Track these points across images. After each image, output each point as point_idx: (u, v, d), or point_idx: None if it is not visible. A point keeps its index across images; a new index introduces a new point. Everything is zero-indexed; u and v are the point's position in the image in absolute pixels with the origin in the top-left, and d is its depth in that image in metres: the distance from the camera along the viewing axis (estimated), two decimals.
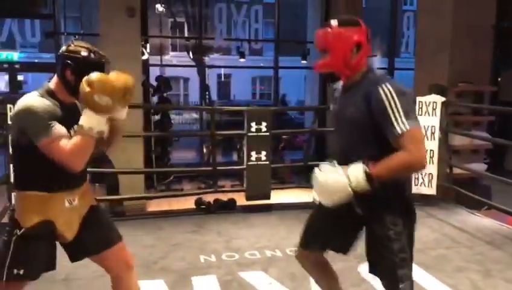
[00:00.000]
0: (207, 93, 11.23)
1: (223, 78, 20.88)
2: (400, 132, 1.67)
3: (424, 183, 5.02)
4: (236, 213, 4.88)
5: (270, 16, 10.12)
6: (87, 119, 1.77)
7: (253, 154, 4.84)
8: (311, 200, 6.63)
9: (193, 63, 13.06)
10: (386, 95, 1.69)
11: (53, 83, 1.91)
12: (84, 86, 1.74)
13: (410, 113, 1.69)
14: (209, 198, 5.14)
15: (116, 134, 2.04)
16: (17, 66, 9.14)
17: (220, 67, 17.34)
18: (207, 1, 11.29)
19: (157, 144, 7.47)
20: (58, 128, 1.80)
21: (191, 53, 12.46)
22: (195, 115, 15.06)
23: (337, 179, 1.71)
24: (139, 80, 6.79)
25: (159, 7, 11.64)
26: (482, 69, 5.67)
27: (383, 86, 1.71)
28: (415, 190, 5.09)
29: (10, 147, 1.92)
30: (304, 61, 9.28)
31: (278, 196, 5.47)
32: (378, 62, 17.08)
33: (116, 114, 1.93)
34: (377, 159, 1.70)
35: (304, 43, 9.49)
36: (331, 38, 1.81)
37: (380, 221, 1.84)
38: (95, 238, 2.03)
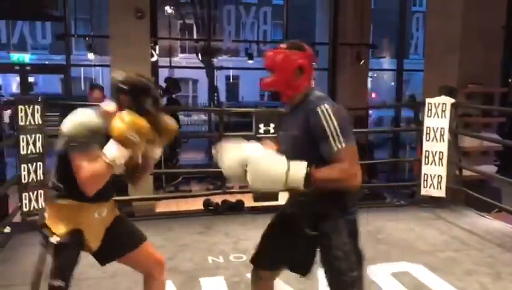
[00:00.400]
0: (215, 94, 11.26)
1: (231, 80, 20.91)
2: (336, 149, 1.76)
3: (433, 185, 4.99)
4: (244, 214, 4.89)
5: (279, 18, 10.12)
6: (114, 151, 1.83)
7: None
8: None
9: (202, 65, 13.11)
10: (323, 114, 1.79)
11: (110, 105, 1.98)
12: (118, 121, 1.83)
13: (345, 132, 1.78)
14: (217, 199, 5.15)
15: (146, 170, 2.15)
16: (28, 67, 9.23)
17: (228, 68, 17.37)
18: (216, 3, 11.32)
19: (166, 145, 7.50)
20: (94, 151, 1.85)
21: (199, 55, 12.50)
22: (203, 117, 15.10)
23: (277, 165, 1.76)
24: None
25: (168, 9, 11.70)
26: (492, 70, 5.64)
27: (321, 106, 1.81)
28: (424, 192, 5.06)
29: (56, 155, 2.00)
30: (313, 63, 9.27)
31: (286, 197, 5.46)
32: (386, 63, 17.01)
33: (151, 152, 2.06)
34: None
35: (312, 45, 9.48)
36: (278, 59, 1.93)
37: (328, 241, 1.89)
38: (120, 241, 2.13)
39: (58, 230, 1.92)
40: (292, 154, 1.88)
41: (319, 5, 10.02)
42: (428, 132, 5.01)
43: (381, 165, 9.38)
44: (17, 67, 9.22)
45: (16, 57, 13.25)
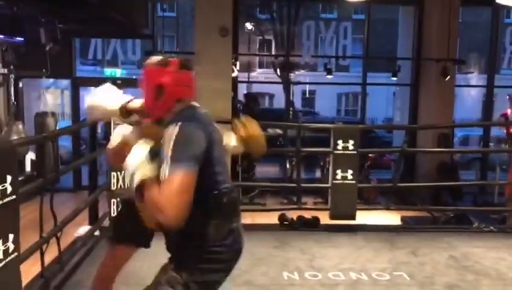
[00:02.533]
0: (291, 109, 11.31)
1: (307, 94, 20.89)
2: (162, 175, 1.55)
3: None
4: (319, 232, 4.81)
5: (359, 32, 9.97)
6: None
7: (339, 172, 4.76)
8: (399, 223, 6.35)
9: (279, 80, 13.26)
10: (168, 134, 1.61)
11: None
12: None
13: (181, 154, 1.56)
14: (292, 215, 5.13)
15: None
16: (118, 81, 9.94)
17: (306, 83, 17.38)
18: (295, 19, 11.42)
19: (244, 158, 7.65)
20: None
21: (278, 70, 12.67)
22: (278, 131, 15.22)
23: (106, 102, 2.01)
24: (229, 96, 7.05)
25: (249, 25, 12.03)
26: None
27: (174, 124, 1.63)
28: None
29: None
30: (394, 78, 8.99)
31: (363, 217, 5.31)
32: (474, 79, 16.02)
33: None
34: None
35: (393, 60, 9.19)
36: (141, 78, 1.85)
37: (168, 263, 1.76)
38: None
39: None
40: None
41: (402, 19, 9.71)
42: None
43: (467, 187, 8.79)
44: (110, 82, 9.96)
45: (108, 72, 14.34)
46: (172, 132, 1.60)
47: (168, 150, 1.57)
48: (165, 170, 1.55)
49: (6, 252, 2.38)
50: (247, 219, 5.90)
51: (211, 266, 1.74)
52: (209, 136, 1.68)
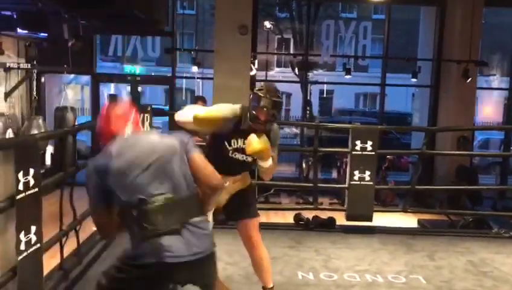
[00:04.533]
0: (308, 108, 11.25)
1: (325, 94, 20.80)
2: None
3: None
4: (335, 232, 4.79)
5: (379, 32, 9.85)
6: None
7: (357, 173, 4.72)
8: (416, 226, 6.28)
9: (297, 79, 13.20)
10: None
11: None
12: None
13: None
14: (308, 214, 5.12)
15: None
16: (138, 78, 10.05)
17: (324, 83, 17.28)
18: (315, 18, 11.36)
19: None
20: None
21: (296, 69, 12.60)
22: (295, 130, 15.26)
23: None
24: (247, 94, 7.06)
25: (267, 24, 11.99)
26: None
27: None
28: None
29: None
30: (414, 79, 8.87)
31: (379, 219, 5.26)
32: (496, 82, 15.72)
33: None
34: None
35: (414, 61, 9.07)
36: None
37: None
38: (234, 209, 2.88)
39: None
40: None
41: (423, 20, 9.60)
42: None
43: (487, 191, 8.64)
44: (129, 78, 10.07)
45: (128, 68, 14.52)
46: None
47: None
48: None
49: (28, 243, 2.44)
50: (262, 217, 5.90)
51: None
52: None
